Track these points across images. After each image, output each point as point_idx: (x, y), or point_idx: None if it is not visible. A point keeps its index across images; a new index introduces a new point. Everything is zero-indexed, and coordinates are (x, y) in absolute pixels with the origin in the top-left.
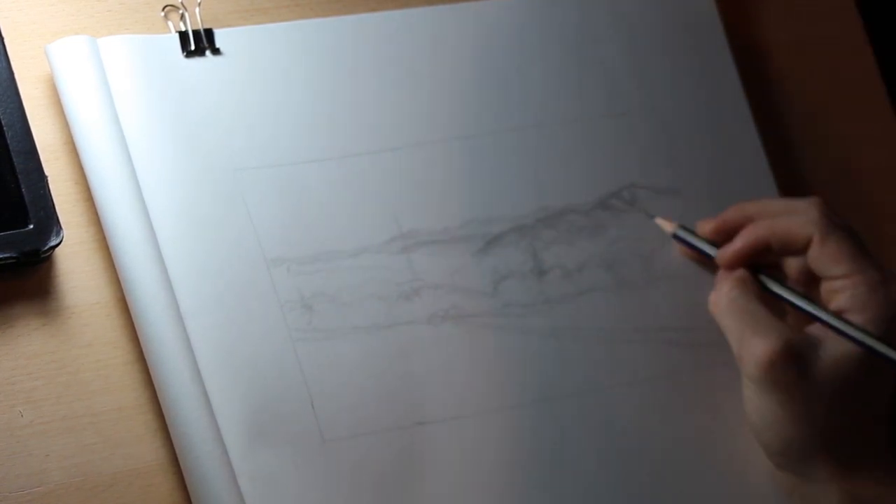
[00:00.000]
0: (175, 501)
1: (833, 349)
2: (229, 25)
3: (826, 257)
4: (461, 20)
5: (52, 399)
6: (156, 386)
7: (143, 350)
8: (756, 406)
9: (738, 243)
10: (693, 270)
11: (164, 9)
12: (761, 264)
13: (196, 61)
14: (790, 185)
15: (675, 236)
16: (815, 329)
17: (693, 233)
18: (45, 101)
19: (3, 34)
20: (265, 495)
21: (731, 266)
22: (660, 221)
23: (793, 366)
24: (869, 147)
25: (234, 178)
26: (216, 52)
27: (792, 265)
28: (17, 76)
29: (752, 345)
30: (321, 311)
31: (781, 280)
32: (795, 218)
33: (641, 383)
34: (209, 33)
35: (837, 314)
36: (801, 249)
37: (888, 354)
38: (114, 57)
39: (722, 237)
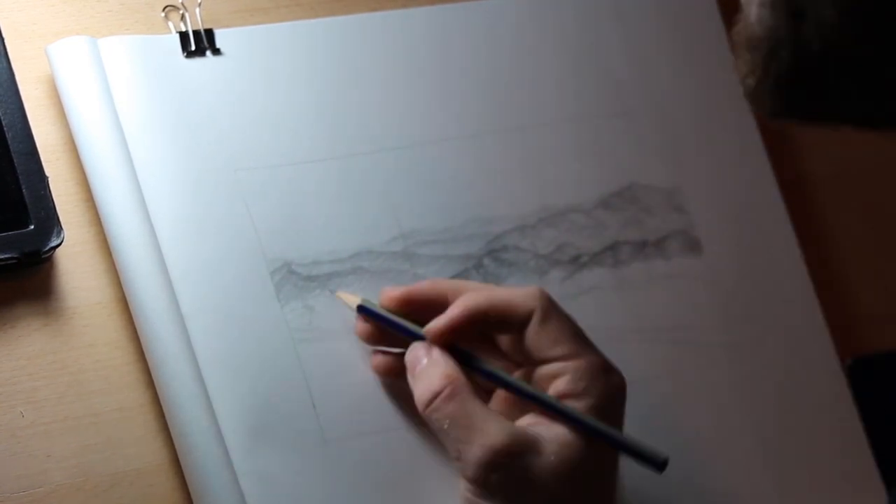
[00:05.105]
0: (176, 502)
1: (553, 441)
2: (229, 25)
3: (546, 337)
4: (461, 20)
5: (53, 400)
6: (157, 386)
7: (144, 350)
8: None
9: (454, 312)
10: (693, 270)
11: (164, 9)
12: (465, 347)
13: (196, 61)
14: (791, 183)
15: (360, 309)
16: (527, 420)
17: (376, 308)
18: (45, 102)
19: (4, 34)
20: (266, 495)
21: (444, 341)
22: (342, 296)
23: (517, 463)
24: (869, 147)
25: (234, 178)
26: (216, 52)
27: (504, 343)
28: (17, 77)
29: (472, 445)
30: (322, 311)
31: (492, 363)
32: (517, 291)
33: (641, 383)
34: (209, 33)
35: (557, 398)
36: (519, 324)
37: (611, 434)
38: (114, 57)
39: (410, 308)
